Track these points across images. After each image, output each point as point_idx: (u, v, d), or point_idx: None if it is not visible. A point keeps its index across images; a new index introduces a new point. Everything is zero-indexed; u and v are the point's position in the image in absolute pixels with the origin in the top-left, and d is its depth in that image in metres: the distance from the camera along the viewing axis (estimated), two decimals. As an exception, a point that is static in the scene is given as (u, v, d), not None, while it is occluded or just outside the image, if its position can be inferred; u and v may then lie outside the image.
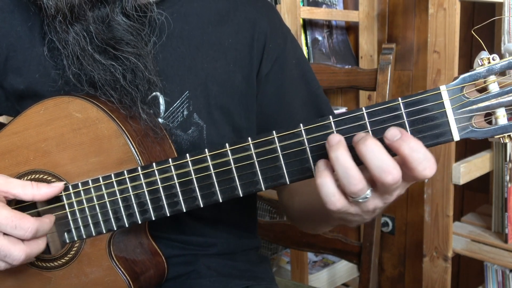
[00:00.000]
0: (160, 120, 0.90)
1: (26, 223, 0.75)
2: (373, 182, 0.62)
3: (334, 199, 0.63)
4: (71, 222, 0.83)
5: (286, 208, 1.05)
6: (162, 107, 0.90)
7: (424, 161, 0.59)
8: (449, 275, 1.72)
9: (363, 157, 0.60)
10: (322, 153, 0.67)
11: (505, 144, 1.70)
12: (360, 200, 0.63)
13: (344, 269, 2.35)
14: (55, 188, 0.80)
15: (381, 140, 0.61)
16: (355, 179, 0.61)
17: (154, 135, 0.84)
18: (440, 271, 1.72)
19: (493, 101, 0.61)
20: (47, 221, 0.79)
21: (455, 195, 1.75)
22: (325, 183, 0.63)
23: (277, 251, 2.32)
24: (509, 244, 1.67)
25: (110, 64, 0.83)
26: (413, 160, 0.59)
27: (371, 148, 0.59)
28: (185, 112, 0.91)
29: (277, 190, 1.10)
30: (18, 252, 0.75)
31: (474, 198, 2.11)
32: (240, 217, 1.05)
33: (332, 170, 0.63)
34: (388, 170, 0.59)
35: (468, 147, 2.01)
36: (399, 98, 0.64)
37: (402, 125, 0.64)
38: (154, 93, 0.89)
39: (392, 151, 0.60)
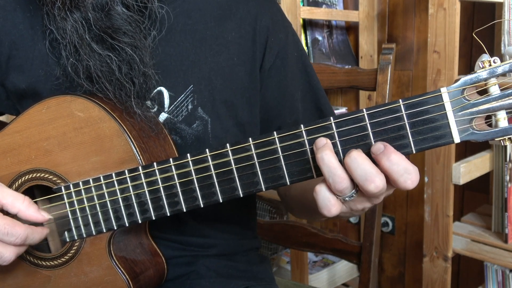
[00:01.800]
0: (164, 114, 0.91)
1: (17, 230, 0.77)
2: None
3: (330, 204, 0.66)
4: (71, 221, 0.84)
5: (282, 197, 1.08)
6: (167, 102, 0.91)
7: (404, 174, 0.63)
8: (449, 275, 1.72)
9: (347, 167, 0.64)
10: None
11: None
12: (347, 199, 0.66)
13: (344, 269, 2.34)
14: (40, 216, 0.80)
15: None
16: (340, 177, 0.64)
17: (149, 129, 0.85)
18: (440, 271, 1.72)
19: (494, 104, 0.61)
20: (39, 230, 0.80)
21: (455, 195, 1.75)
22: (322, 189, 0.66)
23: (277, 251, 2.32)
24: (509, 244, 1.67)
25: (106, 55, 0.83)
26: (393, 172, 0.63)
27: (354, 158, 0.63)
28: (190, 106, 0.91)
29: None
30: (8, 254, 0.78)
31: (474, 198, 2.11)
32: (240, 217, 1.05)
33: None
34: (370, 179, 0.63)
35: (468, 147, 2.01)
36: (400, 100, 0.64)
37: (402, 127, 0.64)
38: (158, 88, 0.90)
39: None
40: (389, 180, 0.64)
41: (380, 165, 0.63)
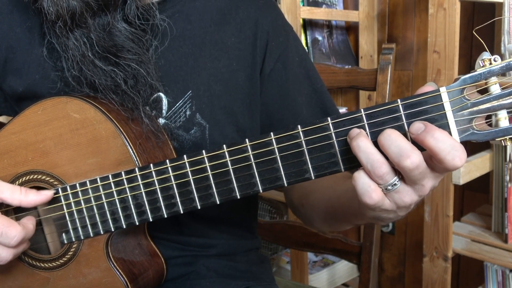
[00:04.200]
0: (162, 120, 0.90)
1: (12, 232, 0.77)
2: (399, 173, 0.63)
3: (370, 190, 0.63)
4: (69, 222, 0.83)
5: (298, 208, 1.03)
6: (165, 107, 0.90)
7: (452, 151, 0.59)
8: (449, 275, 1.72)
9: (381, 145, 0.61)
10: (320, 155, 0.67)
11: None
12: (390, 188, 0.63)
13: (344, 269, 2.34)
14: (43, 196, 0.80)
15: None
16: (378, 162, 0.61)
17: (155, 139, 0.84)
18: (440, 271, 1.72)
19: (494, 103, 0.60)
20: (31, 227, 0.81)
21: (455, 195, 1.75)
22: (361, 175, 0.63)
23: (277, 251, 2.32)
24: (509, 244, 1.67)
25: (111, 70, 0.83)
26: (440, 150, 0.59)
27: (388, 134, 0.60)
28: (188, 112, 0.90)
29: (284, 190, 1.09)
30: (5, 254, 0.78)
31: (474, 198, 2.10)
32: (240, 217, 1.04)
33: None
34: (406, 154, 0.60)
35: (468, 147, 2.00)
36: (398, 100, 0.63)
37: (401, 127, 0.63)
38: (157, 94, 0.89)
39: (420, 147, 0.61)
40: (435, 161, 0.61)
41: (424, 145, 0.60)
